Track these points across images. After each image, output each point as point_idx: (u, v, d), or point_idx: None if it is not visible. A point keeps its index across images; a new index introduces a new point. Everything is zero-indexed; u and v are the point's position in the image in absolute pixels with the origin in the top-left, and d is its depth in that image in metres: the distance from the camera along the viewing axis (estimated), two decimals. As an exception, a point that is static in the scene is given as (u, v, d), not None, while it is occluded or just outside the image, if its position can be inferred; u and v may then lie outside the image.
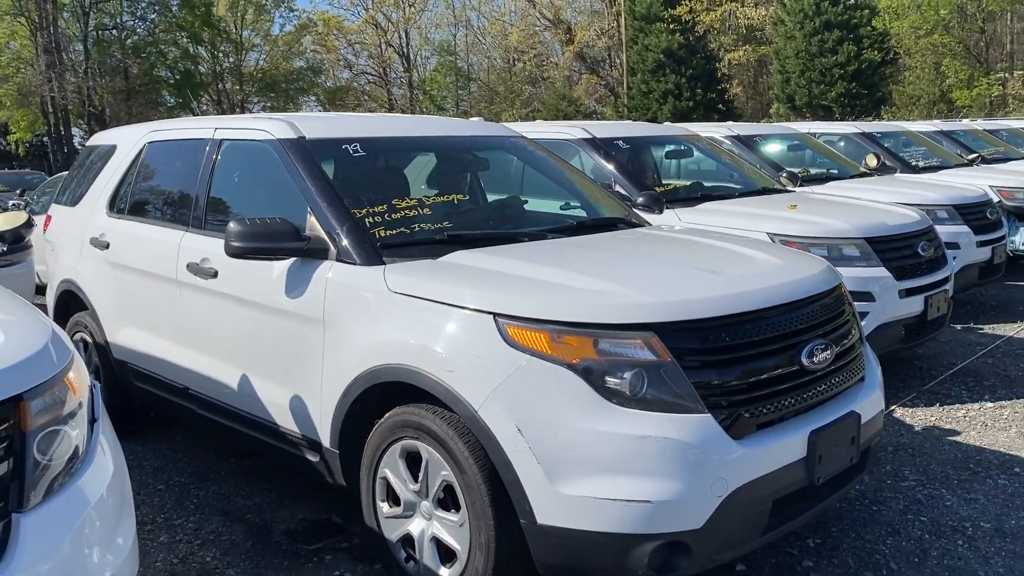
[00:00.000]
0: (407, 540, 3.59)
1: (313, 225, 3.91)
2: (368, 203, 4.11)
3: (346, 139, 4.46)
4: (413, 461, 3.56)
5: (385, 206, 4.10)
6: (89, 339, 5.50)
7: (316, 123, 4.45)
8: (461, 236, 3.96)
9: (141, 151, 5.40)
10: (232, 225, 3.86)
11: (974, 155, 13.72)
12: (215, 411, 4.50)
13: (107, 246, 5.39)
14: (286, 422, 4.04)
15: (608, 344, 3.08)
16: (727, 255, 3.98)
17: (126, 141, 5.59)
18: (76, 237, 5.53)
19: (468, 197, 4.66)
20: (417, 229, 4.00)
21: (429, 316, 3.39)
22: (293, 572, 4.04)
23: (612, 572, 3.07)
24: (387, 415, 3.57)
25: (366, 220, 3.93)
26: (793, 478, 3.26)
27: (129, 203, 5.27)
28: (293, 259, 3.90)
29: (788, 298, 3.48)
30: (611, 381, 3.04)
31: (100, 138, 6.35)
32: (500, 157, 5.14)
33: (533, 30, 54.64)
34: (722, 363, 3.17)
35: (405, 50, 60.79)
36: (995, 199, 10.27)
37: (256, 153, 4.55)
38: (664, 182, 8.13)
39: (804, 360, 3.38)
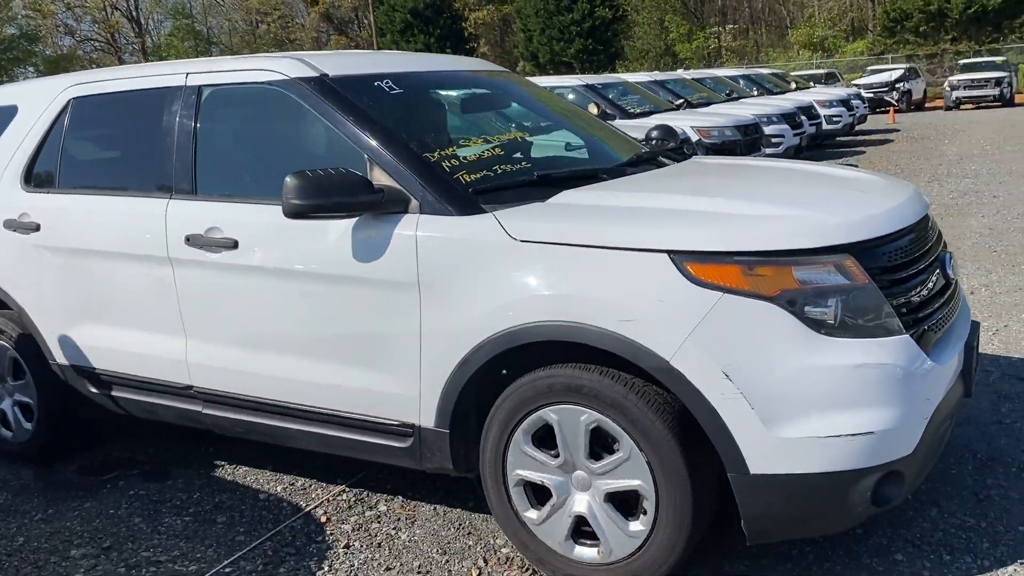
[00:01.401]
0: (533, 486, 3.06)
1: (377, 176, 3.18)
2: (435, 146, 3.42)
3: (375, 75, 3.70)
4: (548, 431, 3.01)
5: (454, 148, 3.43)
6: (7, 344, 4.35)
7: (328, 60, 3.64)
8: (549, 176, 3.38)
9: (63, 110, 4.23)
10: (291, 180, 3.04)
11: (680, 100, 15.45)
12: (234, 407, 3.63)
13: (35, 228, 4.21)
14: (358, 407, 3.29)
15: (805, 272, 2.71)
16: (840, 178, 3.70)
17: (33, 100, 4.32)
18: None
19: (521, 135, 4.01)
20: (499, 171, 3.36)
21: (582, 263, 2.82)
22: (91, 499, 4.10)
23: (829, 514, 2.76)
24: (518, 382, 2.97)
25: (442, 165, 3.25)
26: (958, 392, 3.10)
27: (61, 174, 4.10)
28: (356, 217, 3.15)
29: (923, 212, 3.32)
30: (814, 311, 2.68)
31: None
32: (511, 91, 4.49)
33: (275, -9, 52.01)
34: (901, 280, 2.90)
35: (135, 13, 56.00)
36: (695, 138, 12.34)
37: (260, 98, 3.64)
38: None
39: (948, 272, 3.27)
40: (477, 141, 3.57)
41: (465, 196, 3.14)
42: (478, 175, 3.29)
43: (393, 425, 3.30)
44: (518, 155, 3.68)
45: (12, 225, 4.23)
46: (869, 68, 37.31)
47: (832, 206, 3.09)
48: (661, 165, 3.95)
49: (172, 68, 3.92)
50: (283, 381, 3.52)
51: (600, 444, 2.95)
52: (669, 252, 2.76)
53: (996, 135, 19.44)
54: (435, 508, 3.79)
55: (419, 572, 3.31)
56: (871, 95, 30.38)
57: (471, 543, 3.48)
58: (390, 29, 49.13)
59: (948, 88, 32.36)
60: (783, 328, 2.69)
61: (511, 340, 2.94)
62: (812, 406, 2.67)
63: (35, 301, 4.21)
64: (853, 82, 33.86)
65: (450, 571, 3.30)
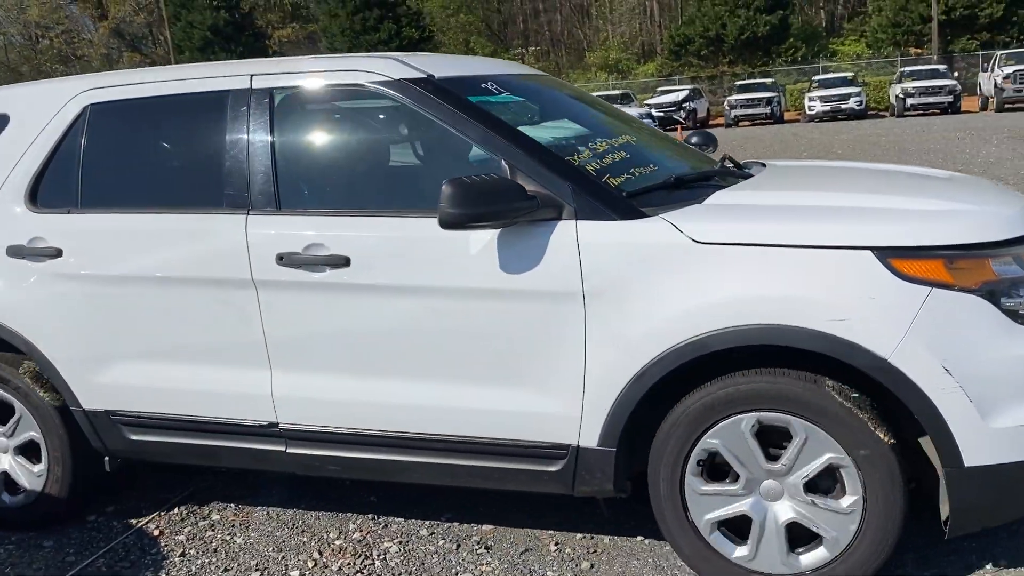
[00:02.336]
0: (726, 521, 2.87)
1: (519, 182, 2.89)
2: (569, 149, 3.15)
3: (479, 77, 3.37)
4: (714, 458, 2.84)
5: (588, 151, 3.18)
6: (10, 396, 3.66)
7: (420, 60, 3.28)
8: (683, 178, 3.21)
9: (79, 119, 3.55)
10: (448, 188, 2.69)
11: None
12: (332, 443, 3.15)
13: (55, 254, 3.51)
14: (498, 431, 2.95)
15: (999, 264, 2.74)
16: (948, 177, 3.75)
17: (30, 107, 3.58)
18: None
19: (631, 137, 3.73)
20: (636, 174, 3.15)
21: (779, 263, 2.69)
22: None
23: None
24: (699, 393, 2.78)
25: (587, 168, 3.00)
26: None
27: (84, 191, 3.42)
28: (500, 227, 2.84)
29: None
30: (1009, 301, 2.72)
31: None
32: (572, 95, 4.20)
33: (57, 4, 48.13)
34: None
35: None
36: None
37: (355, 100, 3.27)
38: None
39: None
40: (606, 143, 3.35)
41: (621, 200, 2.94)
42: (621, 178, 3.09)
43: (542, 448, 3.02)
44: (640, 157, 3.48)
45: (20, 252, 3.56)
46: (658, 89, 39.35)
47: (995, 201, 3.13)
48: (746, 170, 3.82)
49: (228, 70, 3.44)
50: (401, 409, 3.16)
51: (769, 445, 2.82)
52: (873, 249, 2.69)
53: (769, 148, 21.12)
54: (268, 512, 3.83)
55: (256, 570, 3.35)
56: (661, 114, 32.23)
57: (305, 539, 3.57)
58: (188, 46, 46.88)
59: (728, 107, 34.93)
60: (989, 320, 2.69)
61: (699, 348, 2.77)
62: (1020, 394, 2.68)
63: (53, 338, 3.57)
64: (645, 102, 35.59)
65: (287, 565, 3.37)
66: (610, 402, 2.89)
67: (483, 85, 3.33)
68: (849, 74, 37.28)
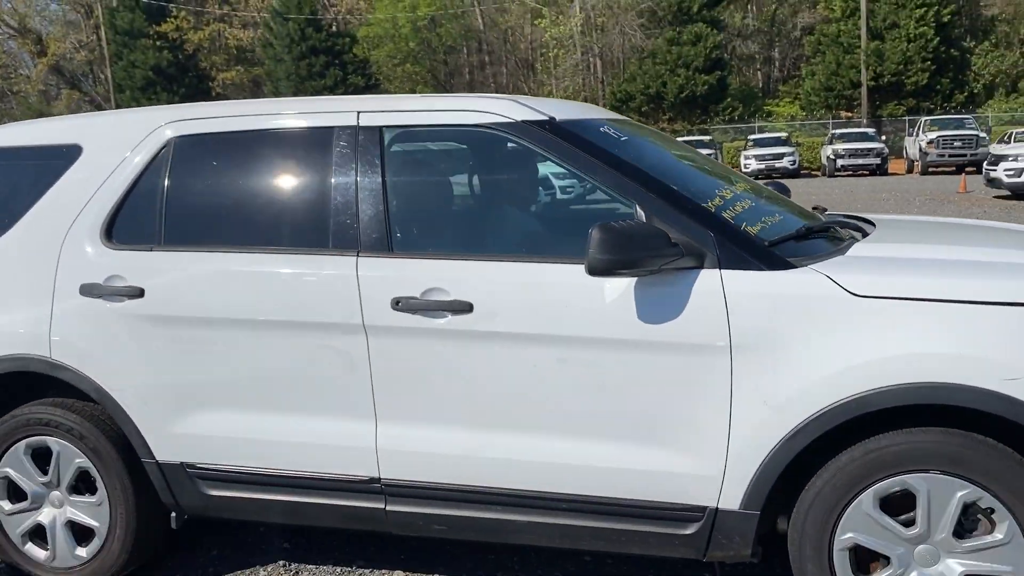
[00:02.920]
0: None
1: (658, 229, 2.77)
2: (700, 196, 3.04)
3: (596, 120, 3.24)
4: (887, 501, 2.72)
5: (718, 198, 3.07)
6: (72, 444, 3.34)
7: (533, 102, 3.14)
8: (811, 228, 3.13)
9: (161, 151, 3.31)
10: (598, 233, 2.56)
11: None
12: (438, 501, 2.93)
13: (136, 294, 3.25)
14: (625, 491, 2.79)
15: None
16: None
17: (106, 139, 3.37)
18: (16, 288, 3.40)
19: (745, 185, 3.61)
20: (769, 223, 3.05)
21: (944, 319, 2.60)
22: None
23: None
24: (854, 451, 2.65)
25: (724, 215, 2.89)
26: None
27: (167, 228, 3.17)
28: (643, 275, 2.70)
29: None
30: None
31: (23, 136, 3.68)
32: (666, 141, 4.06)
33: (-7, 39, 46.85)
34: None
35: None
36: None
37: (473, 143, 3.11)
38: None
39: None
40: (725, 192, 3.25)
41: (766, 249, 2.84)
42: (756, 227, 3.00)
43: (676, 510, 2.87)
44: (762, 206, 3.38)
45: (95, 291, 3.30)
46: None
47: None
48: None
49: (332, 106, 3.27)
50: (522, 465, 2.97)
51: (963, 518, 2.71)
52: None
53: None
54: None
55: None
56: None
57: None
58: (129, 85, 46.03)
59: (668, 163, 35.31)
60: None
61: (860, 407, 2.66)
62: None
63: (128, 384, 3.30)
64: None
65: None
66: (757, 463, 2.75)
67: (601, 129, 3.22)
68: (783, 134, 38.41)
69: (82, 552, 3.45)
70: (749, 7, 48.89)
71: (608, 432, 2.87)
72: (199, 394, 3.24)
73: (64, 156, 3.47)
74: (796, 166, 34.45)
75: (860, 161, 33.06)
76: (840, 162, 33.19)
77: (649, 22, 44.35)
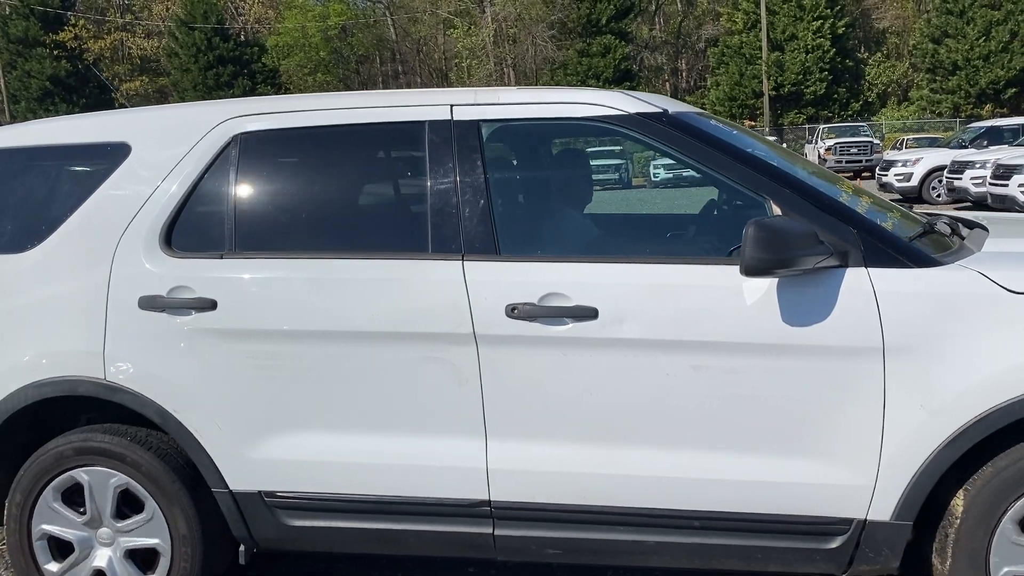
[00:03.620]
0: None
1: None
2: (833, 192, 2.86)
3: (699, 112, 3.03)
4: None
5: (845, 195, 2.89)
6: (127, 477, 2.98)
7: (642, 95, 2.91)
8: (932, 226, 2.99)
9: (225, 150, 2.93)
10: (754, 231, 2.36)
11: None
12: (556, 523, 2.66)
13: (207, 306, 2.86)
14: (777, 505, 2.58)
15: None
16: None
17: (158, 136, 3.03)
18: (59, 303, 2.99)
19: (848, 183, 3.41)
20: (894, 220, 2.89)
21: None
22: None
23: None
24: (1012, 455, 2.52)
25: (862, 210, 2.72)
26: None
27: (237, 233, 2.79)
28: (764, 275, 2.51)
29: None
30: None
31: (61, 133, 3.23)
32: None
33: None
34: None
35: None
36: None
37: (578, 136, 2.87)
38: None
39: None
40: (850, 185, 3.09)
41: (911, 247, 2.70)
42: (889, 224, 2.86)
43: (821, 523, 2.69)
44: (878, 203, 3.22)
45: (157, 304, 2.94)
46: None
47: None
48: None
49: (422, 99, 2.99)
50: (652, 482, 2.75)
51: None
52: None
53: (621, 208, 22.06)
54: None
55: None
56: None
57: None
58: (25, 96, 43.91)
59: (585, 171, 35.57)
60: None
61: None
62: None
63: (197, 406, 2.94)
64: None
65: None
66: (912, 471, 2.58)
67: (712, 122, 3.04)
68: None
69: None
70: (656, 19, 49.81)
71: (748, 443, 2.67)
72: (281, 415, 2.91)
73: (109, 155, 3.09)
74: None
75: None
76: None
77: (560, 33, 44.67)
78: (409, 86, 48.53)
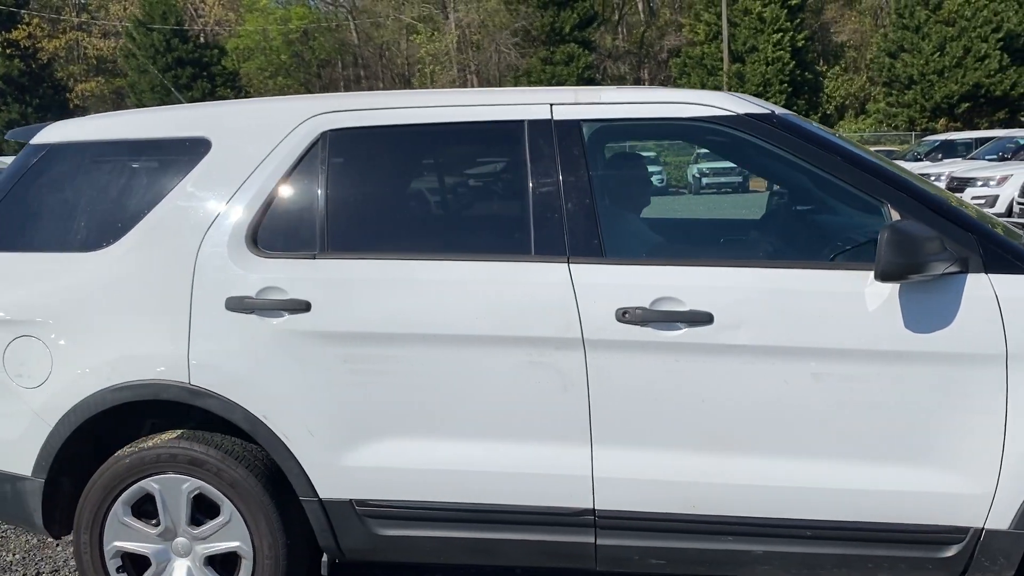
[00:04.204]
0: None
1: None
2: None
3: (799, 117, 2.99)
4: None
5: (953, 200, 2.87)
6: (218, 488, 2.84)
7: (745, 97, 2.86)
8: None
9: (313, 147, 2.80)
10: (890, 235, 2.33)
11: None
12: (661, 533, 2.59)
13: (301, 308, 2.79)
14: (891, 513, 2.54)
15: None
16: None
17: (240, 133, 2.92)
18: (138, 304, 2.85)
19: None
20: (1001, 226, 2.88)
21: None
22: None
23: None
24: None
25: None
26: None
27: (329, 232, 2.66)
28: (899, 280, 2.47)
29: None
30: None
31: (135, 127, 3.08)
32: None
33: None
34: None
35: None
36: None
37: (682, 137, 2.81)
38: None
39: None
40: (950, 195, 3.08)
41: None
42: (999, 228, 2.85)
43: (936, 532, 2.66)
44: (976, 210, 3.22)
45: (246, 305, 2.82)
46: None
47: None
48: None
49: (516, 98, 2.91)
50: (764, 491, 2.71)
51: None
52: None
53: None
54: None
55: None
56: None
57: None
58: (-24, 95, 42.66)
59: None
60: None
61: None
62: None
63: (289, 411, 2.83)
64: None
65: None
66: None
67: (815, 126, 3.00)
68: (652, 153, 39.43)
69: None
70: (619, 29, 50.14)
71: (865, 452, 2.64)
72: (376, 420, 2.81)
73: (188, 151, 2.97)
74: (664, 184, 35.30)
75: (724, 179, 34.19)
76: (705, 180, 34.22)
77: (523, 41, 44.70)
78: (372, 91, 48.32)
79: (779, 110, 2.94)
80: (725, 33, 41.04)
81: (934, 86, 36.40)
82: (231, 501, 2.88)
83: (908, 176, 2.81)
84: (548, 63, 43.50)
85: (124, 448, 2.95)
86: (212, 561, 2.96)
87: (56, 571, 3.69)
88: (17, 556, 3.84)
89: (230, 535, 2.90)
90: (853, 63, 45.77)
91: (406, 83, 47.39)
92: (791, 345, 2.61)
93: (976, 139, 24.20)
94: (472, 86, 45.59)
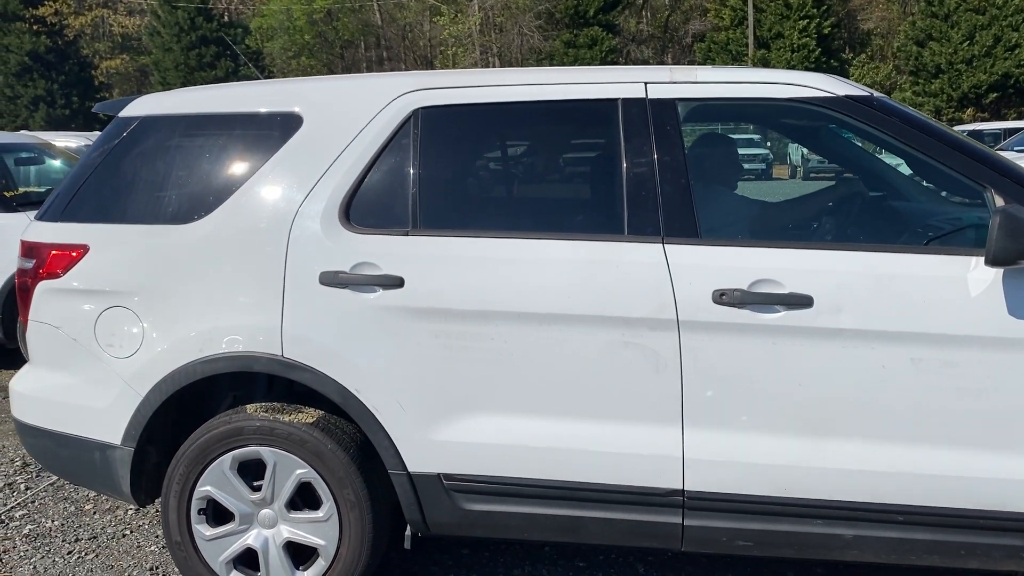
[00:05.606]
0: None
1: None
2: None
3: (894, 101, 2.98)
4: None
5: None
6: (318, 473, 2.87)
7: (840, 78, 2.84)
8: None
9: (405, 123, 2.81)
10: (1006, 219, 2.31)
11: None
12: (750, 515, 2.60)
13: (395, 284, 2.83)
14: (985, 501, 2.55)
15: None
16: None
17: (332, 108, 2.92)
18: (230, 276, 2.87)
19: None
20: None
21: None
22: None
23: None
24: None
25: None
26: None
27: (421, 209, 2.68)
28: (1010, 264, 2.45)
29: None
30: None
31: (225, 102, 3.08)
32: None
33: None
34: None
35: None
36: None
37: (779, 118, 2.79)
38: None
39: None
40: None
41: None
42: None
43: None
44: None
45: (340, 280, 2.83)
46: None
47: None
48: None
49: (610, 76, 2.89)
50: (859, 475, 2.69)
51: None
52: None
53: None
54: None
55: None
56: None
57: None
58: (3, 71, 42.83)
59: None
60: None
61: None
62: None
63: (380, 385, 2.84)
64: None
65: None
66: None
67: (911, 110, 2.97)
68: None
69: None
70: (643, 13, 49.78)
71: (964, 438, 2.62)
72: (467, 396, 2.81)
73: (280, 126, 2.97)
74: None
75: (747, 166, 33.97)
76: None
77: (547, 24, 44.48)
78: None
79: (877, 93, 2.91)
80: (751, 19, 40.70)
81: (962, 75, 36.00)
82: (336, 504, 2.89)
83: (1010, 162, 2.78)
84: (571, 46, 43.29)
85: (257, 410, 2.94)
86: (290, 546, 2.98)
87: (94, 537, 3.73)
88: (56, 523, 3.88)
89: (320, 532, 2.93)
90: (880, 51, 45.30)
91: (428, 65, 47.26)
92: (891, 330, 2.60)
93: (1005, 129, 23.91)
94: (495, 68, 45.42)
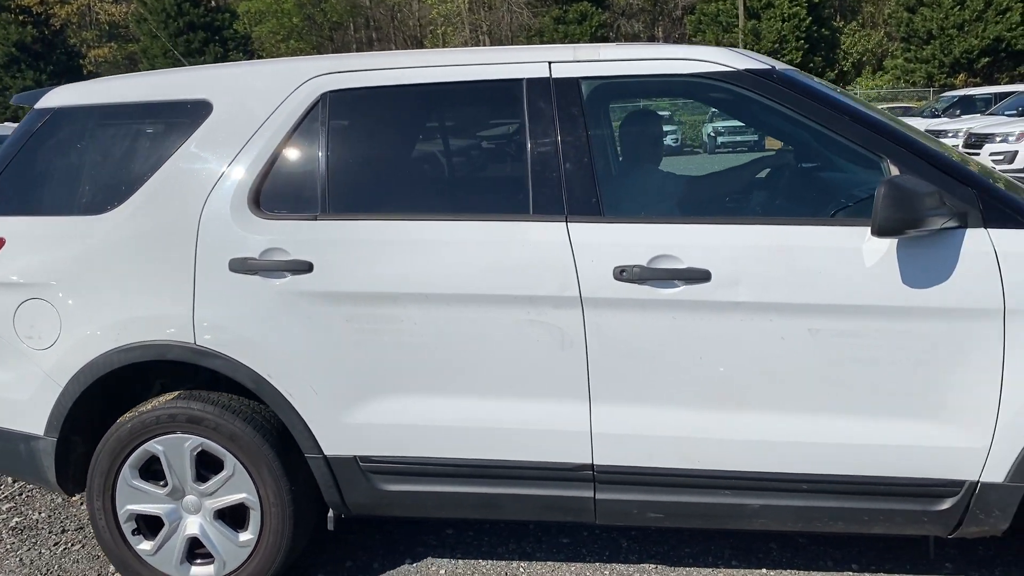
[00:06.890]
0: None
1: (913, 185, 2.56)
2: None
3: (800, 72, 2.98)
4: None
5: (956, 155, 2.86)
6: (218, 446, 2.92)
7: (745, 52, 2.86)
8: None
9: (313, 108, 2.83)
10: (887, 190, 2.34)
11: None
12: (656, 487, 2.65)
13: (303, 269, 2.86)
14: (888, 467, 2.57)
15: None
16: None
17: (241, 94, 2.92)
18: (143, 266, 2.89)
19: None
20: (1003, 180, 2.86)
21: None
22: None
23: None
24: None
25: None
26: None
27: (330, 194, 2.70)
28: (896, 235, 2.47)
29: None
30: None
31: (136, 90, 3.11)
32: None
33: None
34: None
35: None
36: None
37: (683, 94, 2.81)
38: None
39: None
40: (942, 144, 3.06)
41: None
42: (1000, 183, 2.83)
43: (931, 485, 2.68)
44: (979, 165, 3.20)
45: (250, 267, 2.85)
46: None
47: None
48: None
49: (518, 56, 2.90)
50: (760, 446, 2.73)
51: None
52: None
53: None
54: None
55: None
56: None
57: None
58: (-10, 62, 42.72)
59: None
60: None
61: None
62: None
63: (293, 370, 2.87)
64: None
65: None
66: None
67: (816, 81, 2.98)
68: (666, 112, 38.98)
69: (245, 536, 3.01)
70: (632, -14, 49.48)
71: (862, 406, 2.65)
72: (379, 379, 2.84)
73: (190, 113, 2.98)
74: (679, 143, 34.89)
75: (739, 138, 33.76)
76: (720, 139, 33.84)
77: (536, 0, 44.23)
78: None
79: (780, 65, 2.92)
80: (741, -11, 40.40)
81: (953, 41, 35.81)
82: (233, 455, 2.93)
83: (908, 131, 2.79)
84: (561, 22, 43.07)
85: (125, 414, 3.00)
86: (222, 515, 3.02)
87: (81, 528, 3.78)
88: (43, 515, 3.93)
89: (236, 487, 2.96)
90: (871, 18, 45.07)
91: (418, 44, 47.05)
92: (788, 302, 2.62)
93: (995, 94, 23.82)
94: (484, 47, 45.27)
